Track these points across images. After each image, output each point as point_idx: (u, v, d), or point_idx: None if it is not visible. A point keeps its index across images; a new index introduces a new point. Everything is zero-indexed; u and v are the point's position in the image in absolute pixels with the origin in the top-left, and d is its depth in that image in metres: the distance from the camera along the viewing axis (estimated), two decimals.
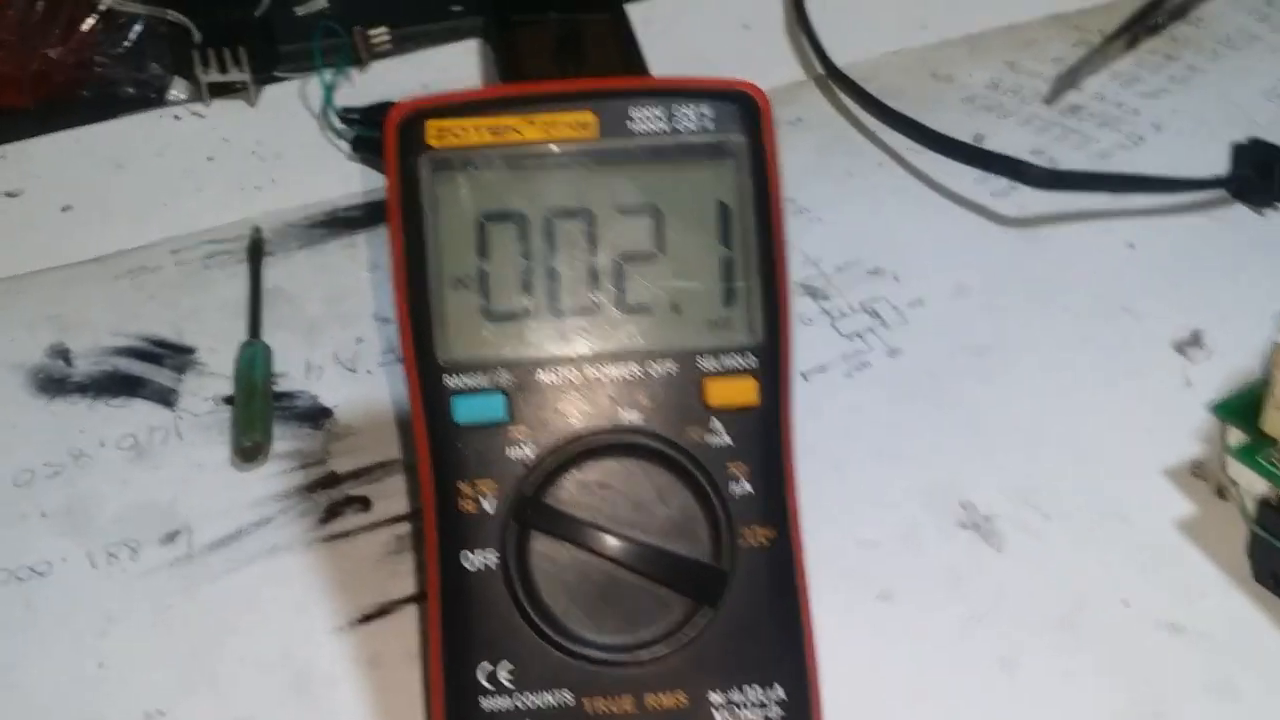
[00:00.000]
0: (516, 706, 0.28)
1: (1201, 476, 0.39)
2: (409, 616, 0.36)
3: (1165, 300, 0.44)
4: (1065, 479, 0.39)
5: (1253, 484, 0.35)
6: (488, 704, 0.28)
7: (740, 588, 0.29)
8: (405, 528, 0.38)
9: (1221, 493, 0.38)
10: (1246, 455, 0.35)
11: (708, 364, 0.29)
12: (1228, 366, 0.41)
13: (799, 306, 0.45)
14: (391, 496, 0.39)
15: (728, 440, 0.29)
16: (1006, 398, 0.42)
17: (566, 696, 0.28)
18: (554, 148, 0.30)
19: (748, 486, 0.29)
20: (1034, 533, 0.38)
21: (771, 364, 0.30)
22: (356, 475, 0.39)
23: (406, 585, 0.37)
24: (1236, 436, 0.36)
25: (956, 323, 0.44)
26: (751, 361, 0.30)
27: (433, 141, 0.29)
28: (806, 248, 0.46)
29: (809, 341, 0.44)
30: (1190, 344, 0.43)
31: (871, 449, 0.40)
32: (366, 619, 0.36)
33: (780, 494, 0.30)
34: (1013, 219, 0.48)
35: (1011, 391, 0.42)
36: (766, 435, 0.29)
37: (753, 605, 0.29)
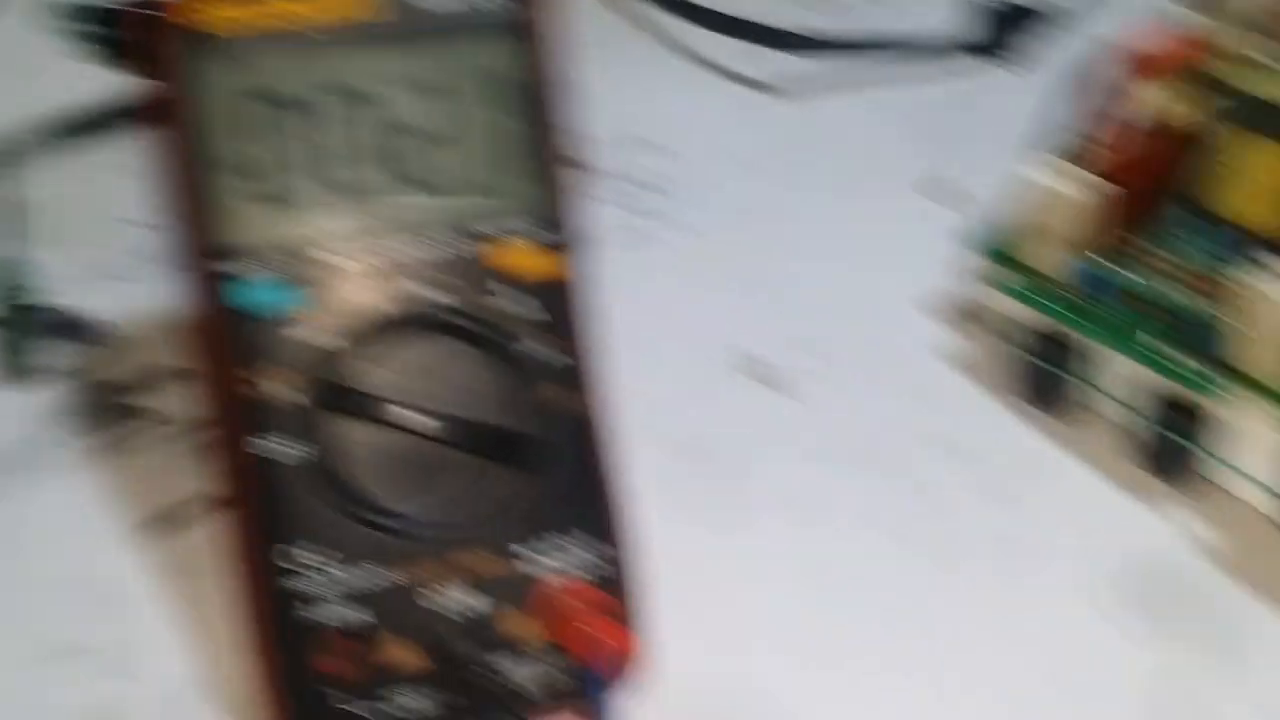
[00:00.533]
0: (331, 586, 0.28)
1: (965, 313, 0.41)
2: (211, 521, 0.35)
3: (918, 155, 0.46)
4: (842, 325, 0.41)
5: (1012, 310, 0.38)
6: (300, 586, 0.28)
7: (554, 452, 0.29)
8: (197, 433, 0.37)
9: (983, 325, 0.40)
10: (1005, 285, 0.37)
11: (502, 235, 0.29)
12: (982, 210, 0.44)
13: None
14: (179, 403, 0.37)
15: (528, 309, 0.29)
16: (780, 255, 0.43)
17: (386, 572, 0.28)
18: (327, 26, 0.29)
19: (552, 352, 0.29)
20: (818, 378, 0.39)
21: (566, 232, 0.30)
22: (139, 384, 0.38)
23: (204, 489, 0.36)
24: (993, 268, 0.38)
25: (729, 190, 0.45)
26: (546, 231, 0.30)
27: (198, 26, 0.28)
28: (579, 124, 0.47)
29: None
30: (944, 192, 0.45)
31: (657, 316, 0.41)
32: (164, 527, 0.35)
33: (585, 357, 0.30)
34: (784, 90, 0.49)
35: (784, 249, 0.43)
36: (566, 302, 0.30)
37: (568, 468, 0.29)
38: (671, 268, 0.43)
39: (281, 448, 0.28)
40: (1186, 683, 0.32)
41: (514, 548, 0.29)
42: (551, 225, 0.30)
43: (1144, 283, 0.35)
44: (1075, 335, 0.36)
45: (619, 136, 0.47)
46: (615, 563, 0.30)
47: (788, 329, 0.41)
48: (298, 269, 0.29)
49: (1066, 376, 0.37)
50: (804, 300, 0.42)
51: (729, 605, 0.34)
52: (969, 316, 0.41)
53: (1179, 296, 0.35)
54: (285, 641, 0.29)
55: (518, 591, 0.29)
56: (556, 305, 0.30)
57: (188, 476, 0.36)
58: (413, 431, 0.28)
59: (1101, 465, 0.37)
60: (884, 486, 0.37)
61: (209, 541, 0.34)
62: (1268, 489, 0.33)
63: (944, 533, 0.35)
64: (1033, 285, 0.37)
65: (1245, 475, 0.34)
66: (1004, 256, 0.38)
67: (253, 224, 0.29)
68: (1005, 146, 0.43)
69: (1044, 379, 0.37)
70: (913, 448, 0.38)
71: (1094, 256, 0.36)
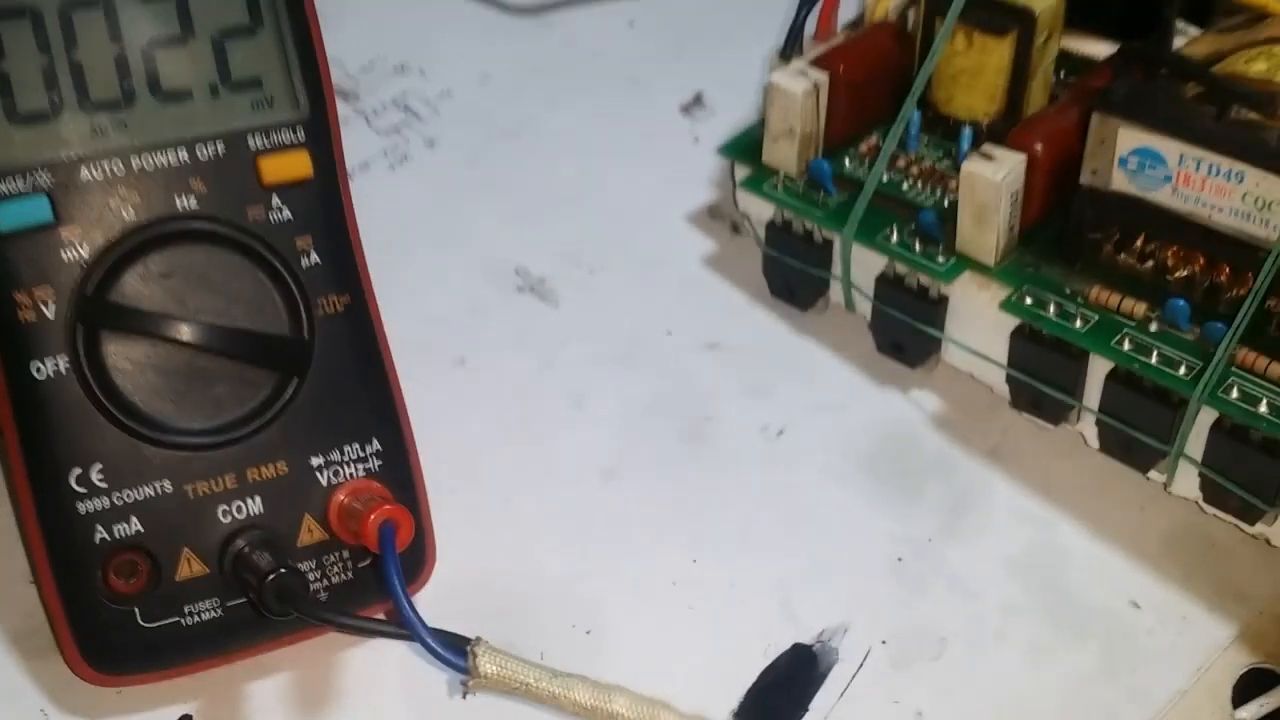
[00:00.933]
0: (114, 503, 0.28)
1: (718, 217, 0.43)
2: None
3: (668, 70, 0.49)
4: (604, 235, 0.43)
5: (761, 211, 0.40)
6: (84, 507, 0.28)
7: (323, 354, 0.30)
8: None
9: (736, 228, 0.43)
10: (753, 185, 0.40)
11: (257, 142, 0.30)
12: (730, 120, 0.46)
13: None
14: None
15: (288, 215, 0.30)
16: (541, 172, 0.45)
17: (165, 485, 0.29)
18: None
19: (315, 257, 0.30)
20: (584, 287, 0.41)
21: (320, 136, 0.30)
22: None
23: None
24: (742, 172, 0.40)
25: (485, 109, 0.47)
26: (300, 135, 0.30)
27: None
28: (330, 51, 0.46)
29: (347, 143, 0.43)
30: (694, 105, 0.47)
31: (424, 235, 0.42)
32: None
33: (349, 261, 0.31)
34: (524, 8, 0.50)
35: (544, 166, 0.45)
36: (326, 205, 0.30)
37: (338, 369, 0.30)
38: (436, 186, 0.44)
39: (51, 367, 0.28)
40: (927, 543, 0.35)
41: (290, 450, 0.30)
42: (318, 131, 0.31)
43: (879, 177, 0.38)
44: (818, 230, 0.39)
45: (375, 61, 0.47)
46: (391, 459, 0.31)
47: (554, 242, 0.42)
48: (61, 186, 0.28)
49: (813, 271, 0.39)
50: (569, 214, 0.43)
51: (506, 499, 0.35)
52: (724, 218, 0.43)
53: (909, 187, 0.38)
54: (70, 563, 0.29)
55: (297, 493, 0.30)
56: (314, 209, 0.30)
57: None
58: (180, 342, 0.29)
59: (847, 353, 0.40)
60: (648, 382, 0.39)
61: None
62: (988, 359, 0.37)
63: (704, 421, 0.38)
64: (774, 183, 0.39)
65: (969, 349, 0.37)
66: (746, 154, 0.40)
67: (8, 143, 0.28)
68: (756, 54, 0.46)
69: (793, 275, 0.40)
70: (674, 347, 0.40)
71: (828, 153, 0.39)
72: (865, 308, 0.39)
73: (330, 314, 0.30)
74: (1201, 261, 0.33)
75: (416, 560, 0.31)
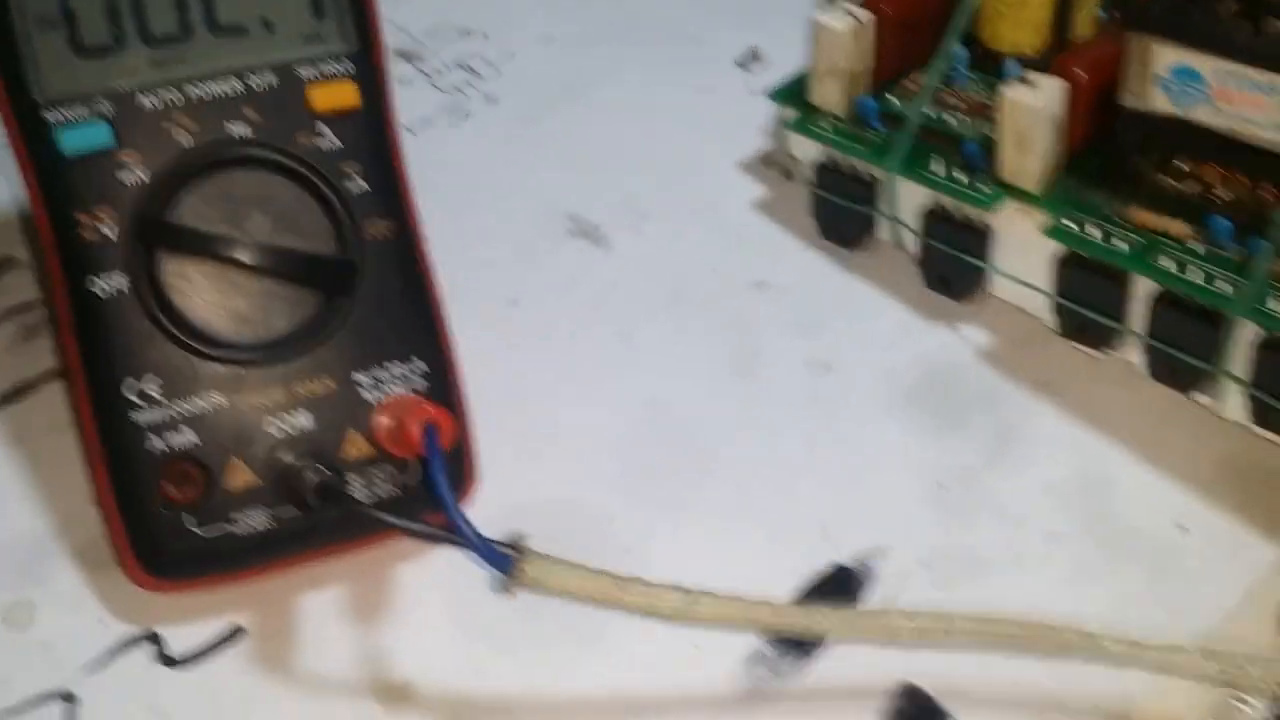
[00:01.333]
0: (170, 415, 0.30)
1: (771, 164, 0.44)
2: (52, 392, 0.36)
3: (725, 27, 0.49)
4: (657, 185, 0.43)
5: (809, 152, 0.41)
6: (140, 418, 0.29)
7: (370, 277, 0.31)
8: (31, 316, 0.38)
9: (788, 174, 0.43)
10: (800, 126, 0.40)
11: (307, 73, 0.31)
12: (784, 72, 0.46)
13: (398, 70, 0.47)
14: (8, 292, 0.39)
15: (337, 143, 0.31)
16: (598, 127, 0.45)
17: (217, 398, 0.30)
18: None
19: (363, 184, 0.31)
20: (636, 232, 0.42)
21: (367, 70, 0.32)
22: None
23: (43, 363, 0.37)
24: (790, 114, 0.41)
25: (546, 70, 0.48)
26: (349, 67, 0.31)
27: None
28: (394, 17, 0.48)
29: (410, 100, 0.46)
30: (751, 60, 0.48)
31: (482, 186, 0.43)
32: (4, 401, 0.36)
33: (395, 189, 0.32)
34: None
35: (602, 122, 0.46)
36: (373, 136, 0.31)
37: (383, 291, 0.31)
38: (495, 141, 0.45)
39: (112, 284, 0.30)
40: (971, 472, 0.35)
41: (336, 368, 0.31)
42: (366, 62, 0.32)
43: (925, 113, 0.38)
44: (865, 168, 0.39)
45: (439, 25, 0.49)
46: (435, 377, 0.32)
47: (608, 191, 0.43)
48: (121, 113, 0.30)
49: (860, 209, 0.40)
50: (624, 166, 0.44)
51: (553, 427, 0.36)
52: (775, 165, 0.44)
53: (955, 122, 0.38)
54: (128, 472, 0.30)
55: (344, 409, 0.31)
56: (361, 139, 0.31)
57: (27, 356, 0.37)
58: (233, 261, 0.30)
59: (895, 290, 0.40)
60: (696, 320, 0.39)
61: (47, 410, 0.36)
62: (1035, 288, 0.37)
63: (751, 356, 0.38)
64: (822, 123, 0.40)
65: (1015, 279, 0.37)
66: (795, 98, 0.40)
67: (73, 74, 0.30)
68: (812, 10, 0.47)
69: (841, 215, 0.40)
70: (725, 288, 0.40)
71: (875, 92, 0.39)
72: (913, 245, 0.39)
73: (376, 238, 0.31)
74: (1244, 179, 0.33)
75: (459, 478, 0.32)
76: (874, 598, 0.33)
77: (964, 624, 0.29)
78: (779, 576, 0.33)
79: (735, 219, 0.42)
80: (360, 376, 0.31)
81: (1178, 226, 0.34)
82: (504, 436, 0.36)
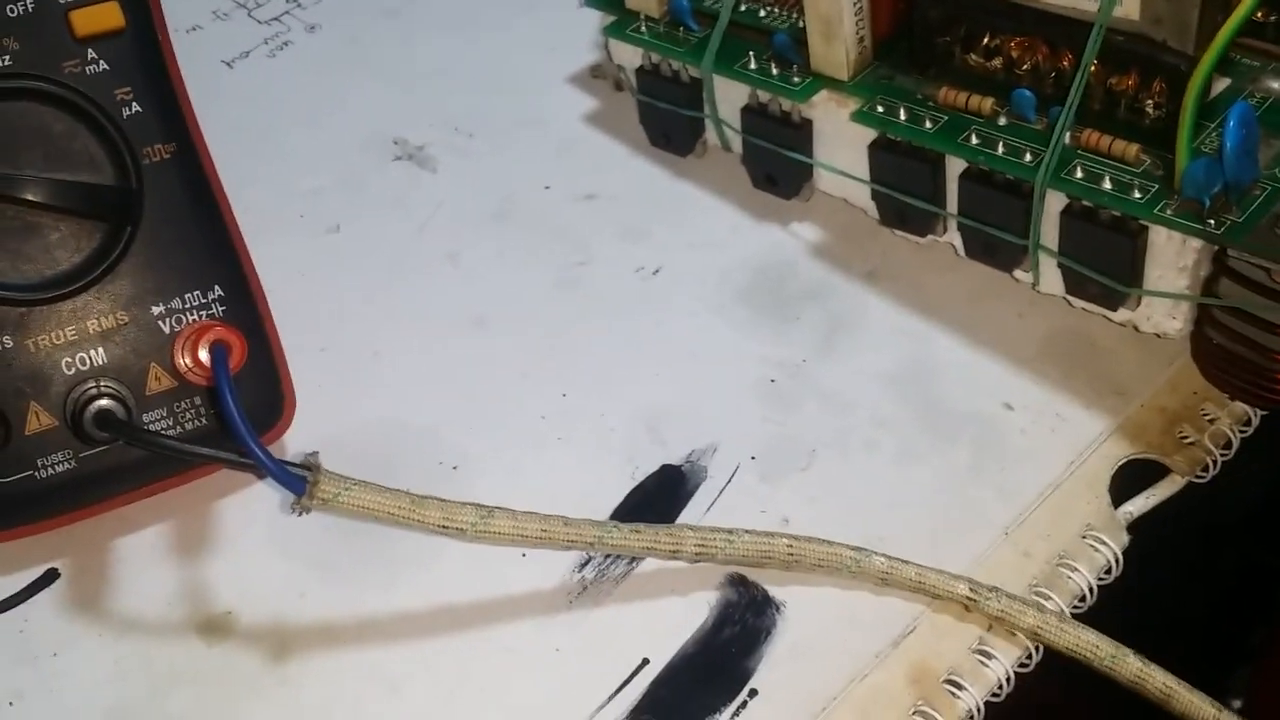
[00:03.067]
0: None
1: (601, 76, 0.43)
2: None
3: None
4: (484, 103, 0.43)
5: (630, 58, 0.40)
6: None
7: (154, 203, 0.30)
8: None
9: (619, 85, 0.43)
10: (617, 30, 0.39)
11: None
12: None
13: (213, 4, 0.46)
14: None
15: (105, 66, 0.30)
16: (423, 46, 0.45)
17: (5, 341, 0.29)
18: None
19: (136, 107, 0.30)
20: (462, 151, 0.41)
21: None
22: None
23: None
24: (608, 20, 0.40)
25: None
26: None
27: None
28: None
29: (229, 34, 0.45)
30: None
31: (303, 114, 0.42)
32: None
33: (173, 110, 0.31)
34: None
35: (426, 40, 0.45)
36: (142, 55, 0.30)
37: (171, 217, 0.30)
38: (316, 68, 0.44)
39: None
40: (801, 364, 0.35)
41: (128, 300, 0.30)
42: None
43: (731, 6, 0.37)
44: (684, 69, 0.38)
45: None
46: (235, 303, 0.31)
47: (433, 111, 0.42)
48: None
49: (684, 112, 0.39)
50: (450, 84, 0.43)
51: (376, 353, 0.36)
52: (606, 76, 0.43)
53: (766, 15, 0.38)
54: None
55: (141, 342, 0.30)
56: (131, 60, 0.30)
57: None
58: (6, 199, 0.29)
59: (726, 193, 0.39)
60: (524, 235, 0.39)
61: None
62: (854, 178, 0.36)
63: (578, 266, 0.38)
64: (638, 26, 0.39)
65: (836, 170, 0.37)
66: (611, 2, 0.40)
67: None
68: None
69: (667, 120, 0.40)
70: (554, 203, 0.40)
71: None
72: (738, 145, 0.39)
73: (157, 162, 0.30)
74: (1045, 50, 0.33)
75: (273, 406, 0.31)
76: (701, 496, 0.33)
77: (745, 540, 0.30)
78: (609, 482, 0.33)
79: (565, 132, 0.42)
80: (154, 308, 0.30)
81: (984, 103, 0.33)
82: (327, 362, 0.35)
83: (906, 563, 0.30)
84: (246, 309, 0.31)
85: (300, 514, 0.26)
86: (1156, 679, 0.30)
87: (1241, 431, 0.34)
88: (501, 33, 0.45)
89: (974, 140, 0.33)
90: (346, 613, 0.30)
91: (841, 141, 0.36)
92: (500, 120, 0.42)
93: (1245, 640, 0.50)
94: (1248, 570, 0.50)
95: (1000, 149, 0.32)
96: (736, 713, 0.29)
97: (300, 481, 0.26)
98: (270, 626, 0.30)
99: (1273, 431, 0.38)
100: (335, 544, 0.31)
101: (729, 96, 0.38)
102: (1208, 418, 0.34)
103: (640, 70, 0.40)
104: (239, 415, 0.26)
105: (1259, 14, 0.34)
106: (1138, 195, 0.31)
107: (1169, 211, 0.30)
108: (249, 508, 0.32)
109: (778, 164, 0.38)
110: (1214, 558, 0.48)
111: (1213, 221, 0.30)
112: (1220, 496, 0.44)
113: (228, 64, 0.43)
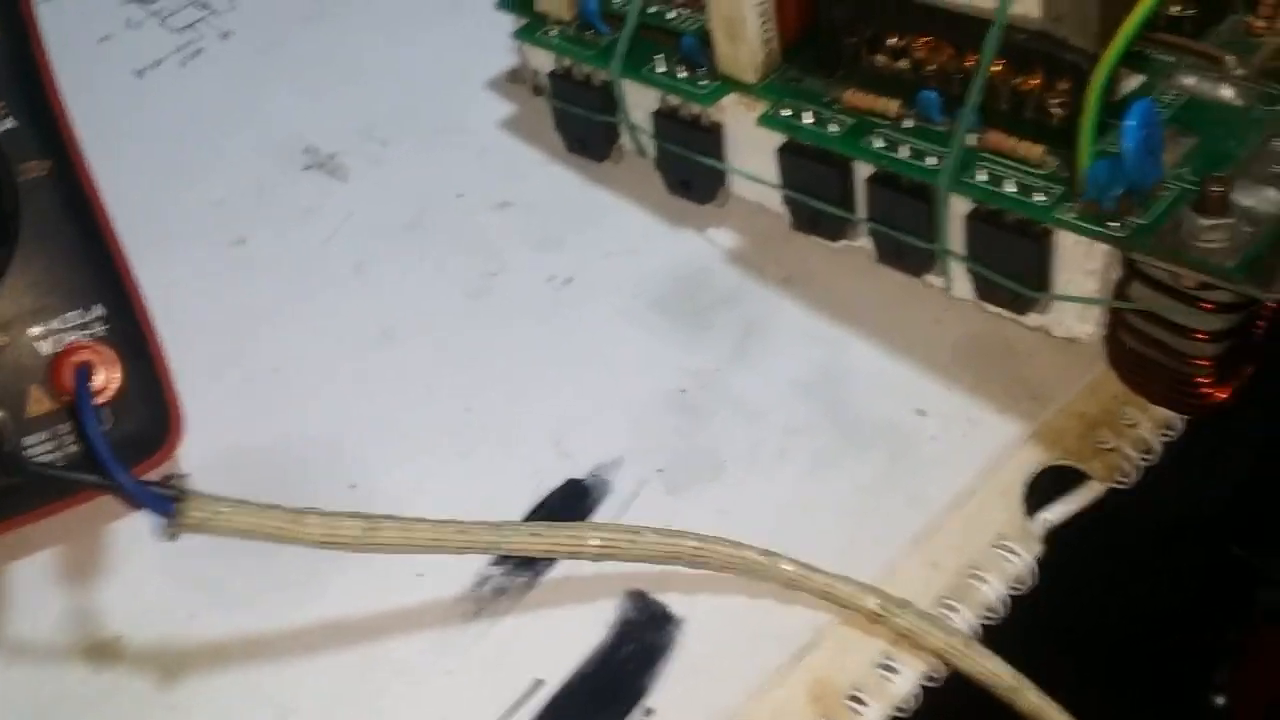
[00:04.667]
0: None
1: (519, 80, 0.43)
2: None
3: None
4: (399, 109, 0.42)
5: (544, 63, 0.39)
6: None
7: (31, 222, 0.29)
8: None
9: (537, 90, 0.42)
10: (527, 35, 0.39)
11: None
12: None
13: (125, 13, 0.45)
14: None
15: None
16: (338, 54, 0.44)
17: None
18: None
19: (12, 123, 0.29)
20: (375, 159, 0.40)
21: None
22: None
23: None
24: (519, 23, 0.39)
25: (277, 4, 0.46)
26: None
27: None
28: None
29: (140, 44, 0.44)
30: None
31: (212, 124, 0.41)
32: None
33: (50, 124, 0.30)
34: None
35: (342, 46, 0.44)
36: (17, 67, 0.30)
37: (49, 235, 0.30)
38: (228, 76, 0.43)
39: None
40: (714, 373, 0.34)
41: (9, 321, 0.29)
42: None
43: (638, 9, 0.36)
44: (593, 73, 0.38)
45: None
46: (118, 322, 0.30)
47: (346, 118, 0.41)
48: None
49: (596, 118, 0.38)
50: (365, 90, 0.42)
51: (276, 368, 0.35)
52: (523, 81, 0.42)
53: (674, 17, 0.37)
54: None
55: (20, 365, 0.29)
56: (7, 71, 0.29)
57: None
58: None
59: (642, 199, 0.39)
60: (435, 245, 0.38)
61: None
62: (765, 183, 0.35)
63: (489, 277, 0.37)
64: (548, 29, 0.38)
65: (749, 175, 0.36)
66: (522, 5, 0.39)
67: None
68: None
69: (581, 125, 0.39)
70: (467, 211, 0.39)
71: None
72: (650, 148, 0.38)
73: (34, 179, 0.29)
74: (950, 50, 0.32)
75: (158, 427, 0.31)
76: (606, 510, 0.32)
77: (650, 540, 0.29)
78: (511, 497, 0.32)
79: (481, 139, 0.41)
80: (34, 328, 0.29)
81: (890, 105, 0.33)
82: (226, 379, 0.34)
83: (816, 570, 0.30)
84: (130, 327, 0.30)
85: (170, 539, 0.25)
86: (1052, 716, 0.29)
87: (1164, 436, 0.34)
88: (422, 37, 0.44)
89: (878, 143, 0.32)
90: (235, 635, 0.30)
91: (752, 145, 0.35)
92: (416, 127, 0.41)
93: (1225, 638, 0.50)
94: (1222, 566, 0.50)
95: (905, 152, 0.32)
96: None
97: (168, 504, 0.25)
98: (159, 650, 0.29)
99: (1239, 425, 0.37)
100: (226, 564, 0.30)
101: (640, 101, 0.37)
102: (1128, 423, 0.34)
103: (553, 75, 0.39)
104: (98, 439, 0.25)
105: (1175, 8, 0.33)
106: (1040, 198, 0.30)
107: (1071, 215, 0.30)
108: (139, 530, 0.31)
109: (691, 169, 0.37)
110: (1188, 554, 0.48)
111: (1116, 224, 0.29)
112: (1185, 494, 0.44)
113: (138, 74, 0.43)
